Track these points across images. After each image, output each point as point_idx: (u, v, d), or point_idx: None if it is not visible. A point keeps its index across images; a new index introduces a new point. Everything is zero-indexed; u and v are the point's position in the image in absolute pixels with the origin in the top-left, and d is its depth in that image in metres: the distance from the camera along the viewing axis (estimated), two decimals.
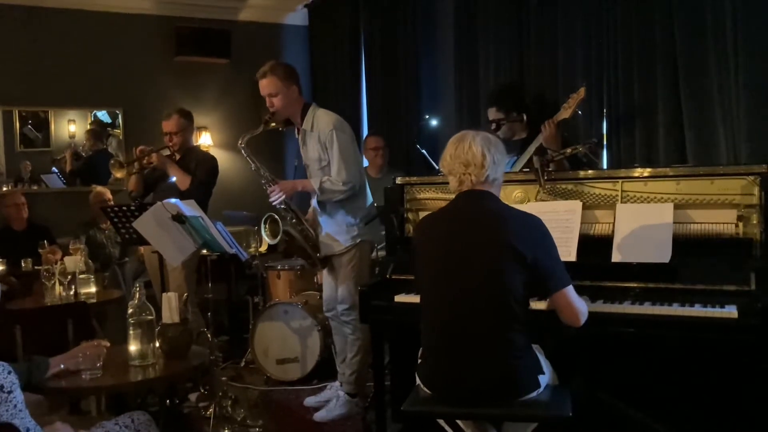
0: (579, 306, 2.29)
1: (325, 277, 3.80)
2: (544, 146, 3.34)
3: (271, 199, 3.58)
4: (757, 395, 2.40)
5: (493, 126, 3.65)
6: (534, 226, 2.28)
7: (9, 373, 1.84)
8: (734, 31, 3.18)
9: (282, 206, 3.59)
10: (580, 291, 2.50)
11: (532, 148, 3.42)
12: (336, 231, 3.59)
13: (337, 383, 3.84)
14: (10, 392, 1.82)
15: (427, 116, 5.35)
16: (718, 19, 3.26)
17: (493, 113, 3.77)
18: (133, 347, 2.53)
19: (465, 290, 2.25)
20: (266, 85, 3.50)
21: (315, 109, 3.60)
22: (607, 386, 2.80)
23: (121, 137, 6.47)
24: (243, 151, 3.61)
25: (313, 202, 3.66)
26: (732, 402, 2.52)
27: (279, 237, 3.54)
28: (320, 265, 3.73)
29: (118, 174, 4.28)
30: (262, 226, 3.60)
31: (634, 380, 2.74)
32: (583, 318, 2.30)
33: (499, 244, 2.22)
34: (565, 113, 3.29)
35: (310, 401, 3.85)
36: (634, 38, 3.70)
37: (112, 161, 4.32)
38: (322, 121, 3.53)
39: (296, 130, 3.70)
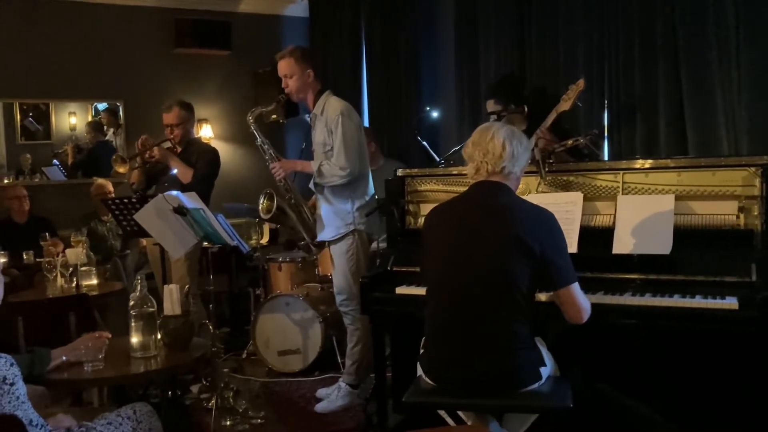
0: (583, 303, 2.29)
1: (332, 269, 3.81)
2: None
3: (273, 175, 3.65)
4: (757, 386, 2.41)
5: (493, 118, 3.63)
6: (545, 220, 2.27)
7: (11, 365, 1.84)
8: (736, 21, 3.17)
9: (281, 183, 3.64)
10: (580, 283, 2.50)
11: (531, 144, 3.40)
12: (331, 217, 3.61)
13: None
14: (12, 384, 1.82)
15: (428, 108, 5.34)
16: (719, 10, 3.25)
17: (491, 105, 3.76)
18: (135, 339, 2.54)
19: (471, 280, 2.25)
20: (283, 66, 3.59)
21: (329, 95, 3.64)
22: (607, 377, 2.81)
23: (122, 129, 6.46)
24: (251, 125, 3.68)
25: (311, 184, 3.68)
26: (732, 392, 2.53)
27: (272, 212, 3.58)
28: (314, 249, 3.77)
29: (121, 169, 4.28)
30: (260, 198, 3.64)
31: (635, 371, 2.75)
32: (587, 315, 2.30)
33: (507, 235, 2.22)
34: (564, 105, 3.28)
35: (321, 393, 3.86)
36: (636, 29, 3.68)
37: (114, 156, 4.33)
38: (331, 106, 3.58)
39: (308, 113, 3.74)
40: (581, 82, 3.22)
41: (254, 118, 3.69)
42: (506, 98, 3.71)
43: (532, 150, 2.96)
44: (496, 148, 2.30)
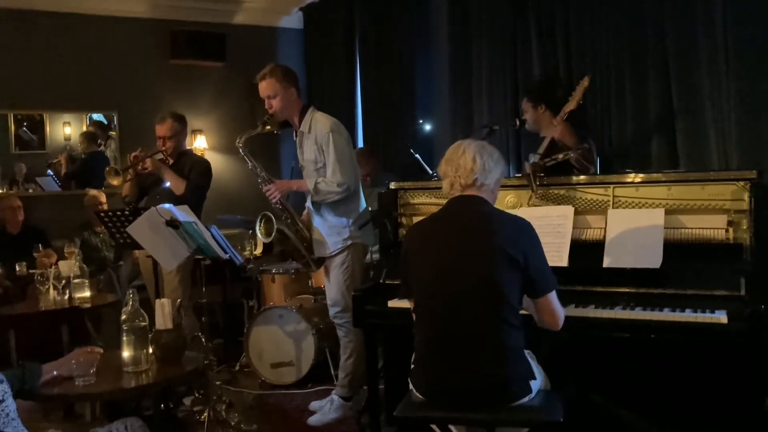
0: (560, 311, 2.33)
1: (325, 281, 3.82)
2: (557, 143, 3.32)
3: (267, 198, 3.62)
4: (746, 398, 2.42)
5: (486, 130, 3.65)
6: (524, 229, 2.30)
7: (1, 382, 1.84)
8: (725, 38, 3.21)
9: (278, 205, 3.62)
10: (571, 296, 2.53)
11: (543, 146, 3.40)
12: (327, 233, 3.62)
13: None
14: (2, 401, 1.82)
15: (421, 121, 5.37)
16: (708, 26, 3.28)
17: (523, 103, 3.75)
18: (127, 353, 2.54)
19: (457, 295, 2.26)
20: (265, 87, 3.55)
21: (313, 111, 3.63)
22: (600, 389, 2.82)
23: (116, 140, 6.47)
24: (240, 150, 3.64)
25: (308, 203, 3.69)
26: (722, 404, 2.54)
27: (273, 235, 3.56)
28: (314, 266, 3.76)
29: (114, 181, 4.27)
30: (257, 223, 3.62)
31: (628, 383, 2.76)
32: (562, 322, 2.33)
33: (490, 247, 2.24)
34: (571, 104, 3.29)
35: (314, 405, 3.85)
36: (626, 45, 3.72)
37: (107, 168, 4.32)
38: (319, 123, 3.57)
39: (294, 132, 3.72)
40: (586, 80, 3.24)
41: (243, 143, 3.64)
42: (537, 98, 3.69)
43: (524, 164, 3.00)
44: (467, 162, 2.35)
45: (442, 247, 2.34)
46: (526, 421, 2.31)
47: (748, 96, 3.14)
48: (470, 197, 2.37)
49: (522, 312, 2.33)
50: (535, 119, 3.66)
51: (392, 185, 3.32)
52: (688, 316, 2.37)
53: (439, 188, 3.17)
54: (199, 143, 6.65)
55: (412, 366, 2.43)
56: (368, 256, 3.78)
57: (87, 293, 4.01)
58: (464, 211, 2.36)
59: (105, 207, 5.47)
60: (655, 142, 3.58)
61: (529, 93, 3.78)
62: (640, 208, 2.75)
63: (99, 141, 6.46)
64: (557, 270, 2.35)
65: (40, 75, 6.05)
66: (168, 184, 4.20)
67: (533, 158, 3.09)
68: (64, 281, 3.97)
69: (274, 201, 3.62)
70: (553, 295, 2.29)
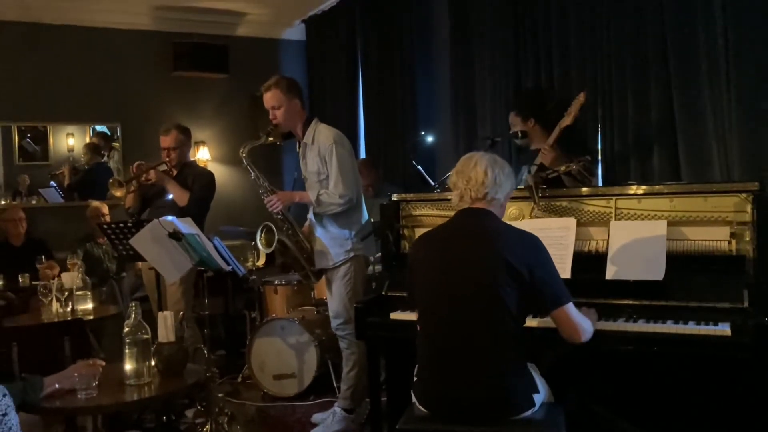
0: (580, 322, 2.29)
1: (327, 293, 3.82)
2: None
3: (269, 209, 3.62)
4: (749, 411, 2.41)
5: (487, 144, 3.64)
6: (530, 243, 2.29)
7: (4, 395, 1.84)
8: (726, 49, 3.21)
9: (279, 216, 3.63)
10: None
11: (538, 158, 3.41)
12: (330, 244, 3.62)
13: None
14: (4, 415, 1.82)
15: (423, 132, 5.37)
16: (710, 37, 3.29)
17: (512, 117, 3.74)
18: (129, 366, 2.53)
19: (460, 306, 2.26)
20: (270, 98, 3.58)
21: (317, 123, 3.65)
22: (601, 403, 2.80)
23: (119, 152, 6.49)
24: (244, 160, 3.66)
25: (310, 214, 3.70)
26: (725, 417, 2.52)
27: (274, 246, 3.57)
28: (314, 278, 3.76)
29: (117, 193, 4.28)
30: (258, 234, 3.63)
31: (630, 397, 2.75)
32: (586, 335, 2.30)
33: (494, 260, 2.23)
34: (567, 120, 3.30)
35: (317, 418, 3.84)
36: (628, 56, 3.72)
37: (111, 180, 4.33)
38: (322, 135, 3.59)
39: (297, 143, 3.74)
40: (582, 96, 3.24)
41: (247, 153, 3.65)
42: (527, 111, 3.68)
43: (526, 176, 3.00)
44: (479, 175, 2.34)
45: (447, 258, 2.34)
46: None
47: (750, 107, 3.14)
48: (478, 210, 2.36)
49: (525, 325, 2.33)
50: (529, 136, 3.67)
51: (394, 197, 3.33)
52: (691, 328, 2.37)
53: (442, 200, 3.20)
54: (202, 155, 6.67)
55: (415, 378, 2.43)
56: (370, 268, 3.79)
57: (89, 305, 4.02)
58: (471, 224, 2.36)
59: (107, 219, 5.49)
60: (657, 153, 3.58)
61: (518, 106, 3.77)
62: (642, 219, 2.75)
63: (102, 152, 6.49)
64: None
65: (44, 87, 6.09)
66: (171, 195, 4.21)
67: (531, 170, 3.09)
68: (66, 293, 3.98)
69: (275, 212, 3.63)
70: (569, 308, 2.26)
